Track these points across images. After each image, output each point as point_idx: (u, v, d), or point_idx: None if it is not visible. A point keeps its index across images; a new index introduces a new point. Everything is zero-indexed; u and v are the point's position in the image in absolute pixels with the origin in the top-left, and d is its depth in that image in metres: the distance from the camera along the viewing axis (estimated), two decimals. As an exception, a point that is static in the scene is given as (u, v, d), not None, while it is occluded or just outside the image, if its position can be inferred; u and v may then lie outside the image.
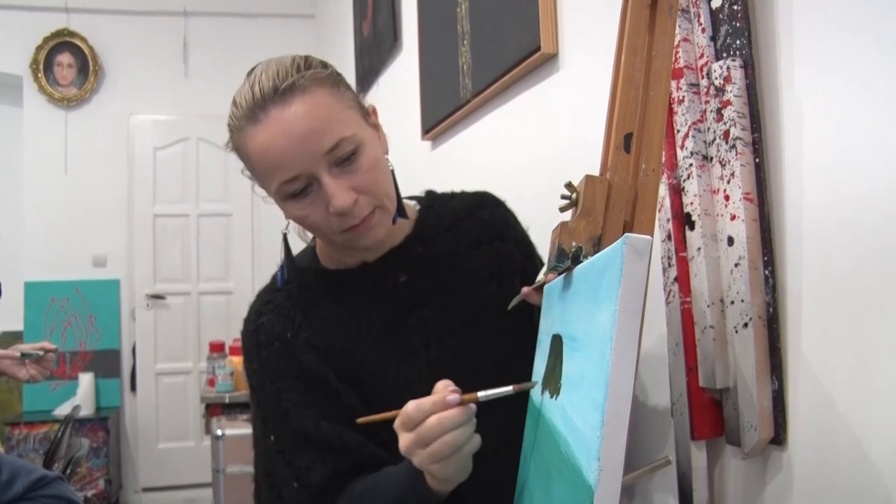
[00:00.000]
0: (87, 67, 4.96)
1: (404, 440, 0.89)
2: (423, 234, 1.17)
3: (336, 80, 1.04)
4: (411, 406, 0.87)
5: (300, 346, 1.09)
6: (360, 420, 0.99)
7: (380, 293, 1.12)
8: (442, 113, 2.37)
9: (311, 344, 1.09)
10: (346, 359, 1.09)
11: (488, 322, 1.13)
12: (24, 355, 2.12)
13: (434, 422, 0.85)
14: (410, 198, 1.24)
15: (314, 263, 1.17)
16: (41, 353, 2.14)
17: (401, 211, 1.11)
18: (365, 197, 1.01)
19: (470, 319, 1.13)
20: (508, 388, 0.88)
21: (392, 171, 1.09)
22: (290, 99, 0.98)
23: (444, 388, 0.88)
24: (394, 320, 1.11)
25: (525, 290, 1.03)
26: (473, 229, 1.20)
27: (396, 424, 0.90)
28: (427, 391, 0.92)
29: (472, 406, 0.87)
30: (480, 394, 0.86)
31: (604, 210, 0.85)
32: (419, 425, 0.86)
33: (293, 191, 1.00)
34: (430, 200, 1.23)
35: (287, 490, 1.08)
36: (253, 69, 1.05)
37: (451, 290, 1.14)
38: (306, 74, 1.00)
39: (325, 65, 1.05)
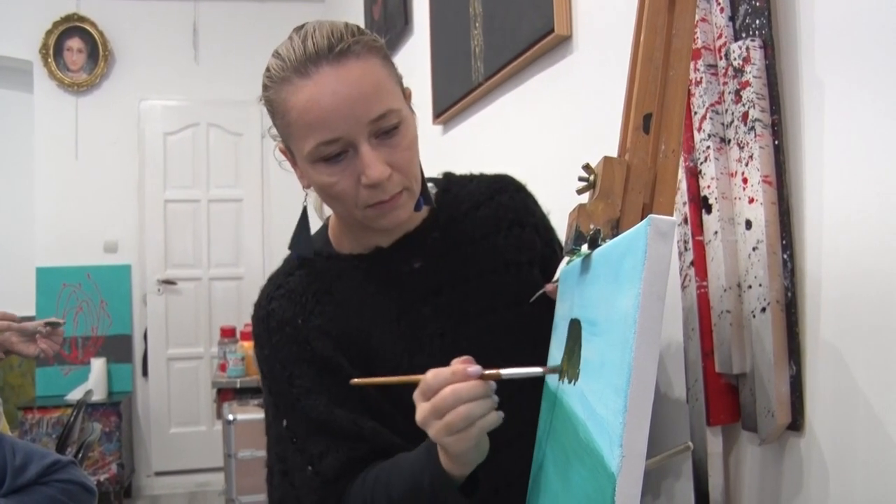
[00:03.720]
0: (97, 52, 4.95)
1: (421, 410, 0.87)
2: (440, 219, 1.14)
3: (387, 53, 1.02)
4: (430, 374, 0.86)
5: (312, 332, 1.07)
6: (373, 381, 0.97)
7: (394, 279, 1.10)
8: (454, 97, 2.35)
9: (323, 331, 1.07)
10: (360, 346, 1.07)
11: (505, 311, 1.11)
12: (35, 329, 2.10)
13: (448, 392, 0.84)
14: (427, 179, 1.19)
15: (327, 247, 1.15)
16: (46, 328, 2.11)
17: (426, 199, 1.09)
18: (398, 175, 0.99)
19: (486, 307, 1.10)
20: (537, 370, 0.86)
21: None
22: (344, 61, 0.95)
23: (463, 359, 0.87)
24: (408, 308, 1.09)
25: (548, 287, 1.01)
26: (492, 215, 1.16)
27: (416, 394, 0.88)
28: None
29: (492, 382, 0.85)
30: (504, 372, 0.85)
31: (622, 192, 0.83)
32: (435, 395, 0.85)
33: (328, 154, 0.97)
34: (448, 183, 1.20)
35: (300, 477, 1.07)
36: (303, 26, 1.02)
37: (468, 277, 1.11)
38: (362, 40, 0.97)
39: (376, 37, 1.02)
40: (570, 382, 0.82)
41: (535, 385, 1.01)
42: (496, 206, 1.17)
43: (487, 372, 0.84)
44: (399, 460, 1.00)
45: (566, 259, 0.97)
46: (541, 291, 1.02)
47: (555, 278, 1.01)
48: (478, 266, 1.12)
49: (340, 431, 1.04)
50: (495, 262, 1.12)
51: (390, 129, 0.97)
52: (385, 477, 1.01)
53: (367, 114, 0.95)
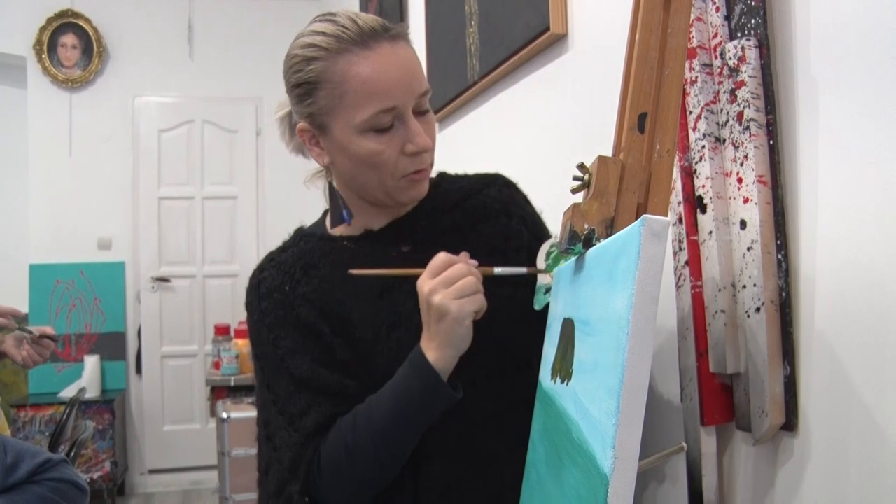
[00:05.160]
0: (92, 49, 4.93)
1: (430, 284, 0.99)
2: (429, 207, 1.19)
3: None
4: (442, 255, 1.01)
5: (298, 299, 1.12)
6: (373, 272, 1.08)
7: (381, 260, 1.14)
8: (449, 95, 2.35)
9: (308, 299, 1.12)
10: (341, 318, 1.11)
11: (487, 292, 1.12)
12: (20, 329, 2.06)
13: (462, 265, 0.99)
14: None
15: (321, 229, 1.21)
16: (32, 334, 2.07)
17: None
18: (430, 150, 1.09)
19: None
20: (522, 269, 1.04)
21: None
22: (398, 40, 1.06)
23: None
24: (390, 285, 1.12)
25: (529, 270, 1.06)
26: (479, 205, 1.21)
27: (424, 275, 1.01)
28: None
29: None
30: (497, 269, 1.03)
31: (617, 191, 0.83)
32: (446, 270, 0.99)
33: (383, 123, 1.05)
34: (440, 179, 1.25)
35: (280, 437, 1.09)
36: (331, 12, 1.09)
37: None
38: (401, 29, 1.08)
39: None
40: (563, 382, 0.82)
41: (501, 376, 1.10)
42: (484, 198, 1.23)
43: (482, 269, 1.02)
44: (379, 393, 1.05)
45: (546, 245, 1.05)
46: (517, 271, 1.05)
47: (539, 263, 1.07)
48: (463, 250, 1.14)
49: (325, 388, 1.08)
50: (480, 248, 1.15)
51: (425, 109, 1.09)
52: (365, 411, 1.05)
53: (419, 87, 1.06)
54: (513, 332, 1.12)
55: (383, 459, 1.04)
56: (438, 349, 1.00)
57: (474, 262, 1.01)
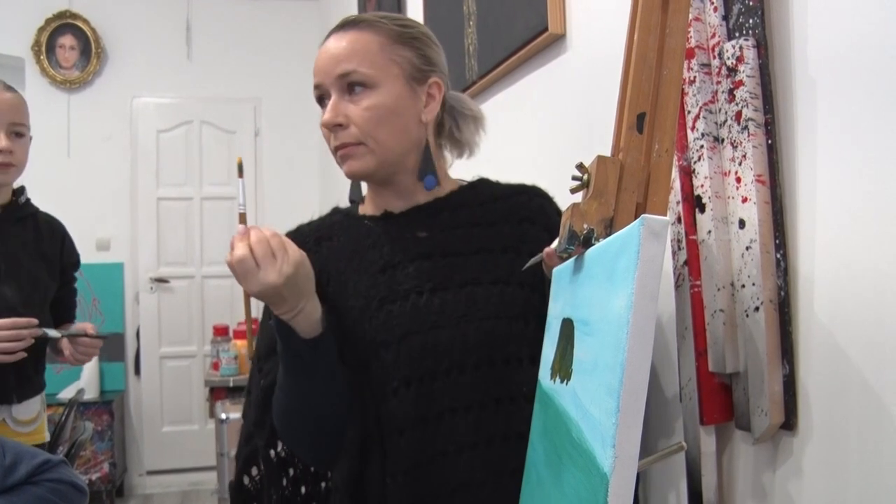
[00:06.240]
0: (90, 49, 4.93)
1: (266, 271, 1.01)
2: (455, 201, 1.23)
3: (400, 37, 1.17)
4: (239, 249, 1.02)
5: None
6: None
7: (396, 241, 1.19)
8: (447, 95, 2.34)
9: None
10: (339, 286, 1.17)
11: (489, 286, 1.15)
12: (43, 334, 2.00)
13: (278, 240, 1.03)
14: (465, 181, 1.30)
15: (353, 208, 1.31)
16: (46, 335, 2.05)
17: (424, 170, 1.20)
18: (354, 128, 1.14)
19: (471, 279, 1.15)
20: None
21: (427, 143, 1.20)
22: (345, 30, 1.17)
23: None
24: (395, 263, 1.17)
25: (548, 249, 1.02)
26: (506, 208, 1.24)
27: (240, 271, 1.01)
28: (403, 330, 1.09)
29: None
30: None
31: (616, 191, 0.83)
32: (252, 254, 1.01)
33: (317, 96, 1.19)
34: (478, 182, 1.29)
35: (254, 393, 1.21)
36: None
37: (463, 252, 1.18)
38: (373, 20, 1.17)
39: (408, 25, 1.20)
40: (562, 382, 0.82)
41: (490, 367, 1.11)
42: (512, 203, 1.25)
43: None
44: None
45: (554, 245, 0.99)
46: (539, 256, 1.03)
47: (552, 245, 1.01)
48: (476, 245, 1.19)
49: None
50: (494, 245, 1.19)
51: (354, 87, 1.14)
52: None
53: (333, 69, 1.14)
54: (506, 326, 1.13)
55: (300, 409, 1.12)
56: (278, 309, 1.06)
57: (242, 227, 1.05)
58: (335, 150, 1.17)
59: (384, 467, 1.09)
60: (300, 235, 1.24)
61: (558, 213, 1.26)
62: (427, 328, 1.11)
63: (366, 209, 1.27)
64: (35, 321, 1.95)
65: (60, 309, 2.23)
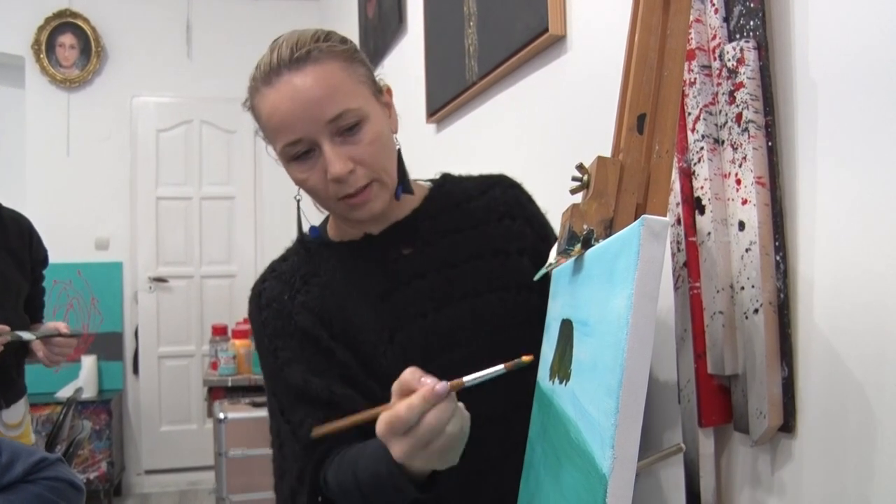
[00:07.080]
0: (90, 48, 4.93)
1: (400, 446, 0.82)
2: (431, 209, 1.19)
3: (351, 55, 1.08)
4: (403, 408, 0.81)
5: (296, 307, 1.13)
6: (317, 431, 0.97)
7: (382, 264, 1.14)
8: (447, 96, 2.35)
9: (306, 306, 1.13)
10: (342, 322, 1.11)
11: (489, 294, 1.13)
12: (12, 335, 1.94)
13: (433, 421, 0.80)
14: (426, 180, 1.26)
15: (323, 236, 1.22)
16: (20, 338, 1.97)
17: (406, 187, 1.14)
18: (362, 168, 1.05)
19: (470, 291, 1.13)
20: (500, 368, 0.81)
21: (399, 151, 1.12)
22: (302, 67, 1.03)
23: (417, 379, 0.83)
24: (392, 289, 1.12)
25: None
26: (483, 207, 1.21)
27: (384, 432, 0.83)
28: (419, 359, 0.93)
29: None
30: (466, 379, 0.81)
31: (616, 192, 0.83)
32: (415, 427, 0.81)
33: (295, 153, 1.05)
34: (444, 180, 1.25)
35: (289, 446, 1.11)
36: (278, 38, 1.09)
37: (454, 262, 1.15)
38: (322, 46, 1.04)
39: (344, 40, 1.09)
40: (561, 383, 0.82)
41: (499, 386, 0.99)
42: (488, 200, 1.22)
43: (452, 383, 0.81)
44: (368, 444, 0.98)
45: (553, 252, 0.96)
46: (548, 268, 0.99)
47: (548, 263, 0.99)
48: (465, 252, 1.16)
49: (316, 398, 1.08)
50: (483, 249, 1.16)
51: (350, 127, 1.04)
52: (353, 456, 1.01)
53: (322, 115, 1.02)
54: (513, 334, 1.11)
55: None
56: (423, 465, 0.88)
57: (444, 385, 0.81)
58: (343, 199, 1.06)
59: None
60: (281, 276, 1.17)
61: (530, 200, 1.26)
62: (439, 351, 1.08)
63: (339, 235, 1.19)
64: (7, 328, 1.90)
65: (29, 309, 2.19)
